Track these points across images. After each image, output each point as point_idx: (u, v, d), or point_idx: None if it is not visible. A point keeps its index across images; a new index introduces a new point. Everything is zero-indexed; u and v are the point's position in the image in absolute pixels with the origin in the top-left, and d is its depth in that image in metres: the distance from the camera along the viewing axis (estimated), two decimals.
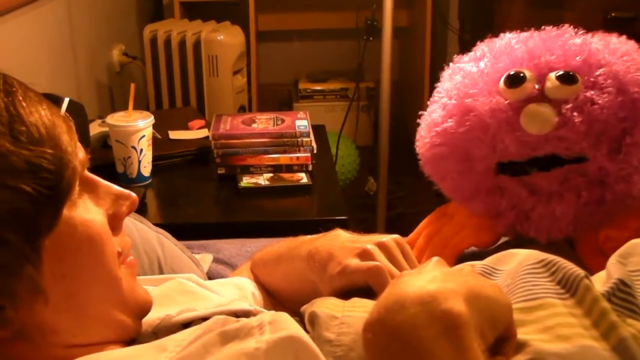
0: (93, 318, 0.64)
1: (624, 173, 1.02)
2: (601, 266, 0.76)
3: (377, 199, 2.61)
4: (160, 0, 3.02)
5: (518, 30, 1.16)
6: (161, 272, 1.08)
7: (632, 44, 1.09)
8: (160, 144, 1.75)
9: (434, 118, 1.11)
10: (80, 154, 0.63)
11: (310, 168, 1.66)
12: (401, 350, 0.55)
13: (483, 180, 1.08)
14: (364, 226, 2.69)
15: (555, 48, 1.06)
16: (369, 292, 0.74)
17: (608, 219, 1.06)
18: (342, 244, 0.80)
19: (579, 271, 0.69)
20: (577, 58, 1.04)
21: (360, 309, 0.68)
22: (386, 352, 0.56)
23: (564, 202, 1.03)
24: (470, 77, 1.09)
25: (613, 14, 2.26)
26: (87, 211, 0.63)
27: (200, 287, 0.81)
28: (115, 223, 0.66)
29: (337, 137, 2.76)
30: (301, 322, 0.69)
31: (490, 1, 2.51)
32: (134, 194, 0.68)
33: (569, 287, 0.68)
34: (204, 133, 1.85)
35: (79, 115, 1.63)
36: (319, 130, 1.85)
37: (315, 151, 1.67)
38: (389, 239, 0.81)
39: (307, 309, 0.70)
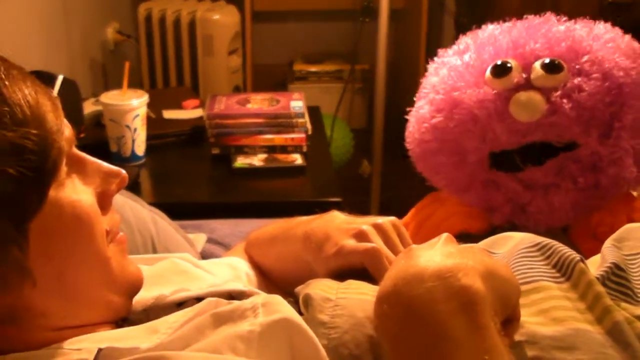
0: (82, 299, 0.63)
1: (616, 156, 1.02)
2: (594, 250, 0.76)
3: (371, 182, 2.61)
4: None
5: (501, 21, 1.16)
6: (155, 251, 1.08)
7: (616, 30, 1.10)
8: (154, 123, 1.74)
9: (423, 114, 1.11)
10: (66, 132, 0.62)
11: (304, 149, 1.66)
12: (417, 323, 0.55)
13: (477, 172, 1.08)
14: (358, 208, 2.68)
15: (539, 36, 1.07)
16: (364, 274, 0.74)
17: (604, 202, 1.06)
18: (339, 225, 0.80)
19: (574, 255, 0.69)
20: (562, 45, 1.04)
21: (354, 292, 0.68)
22: (401, 323, 0.56)
23: (561, 192, 1.04)
24: (456, 71, 1.09)
25: (610, 0, 2.25)
26: (74, 191, 0.61)
27: (195, 267, 0.81)
28: (104, 201, 0.65)
29: (331, 119, 2.76)
30: (295, 303, 0.69)
31: None
32: (123, 171, 0.67)
33: (564, 271, 0.68)
34: (198, 113, 1.84)
35: (72, 93, 1.62)
36: (313, 112, 1.85)
37: (309, 132, 1.67)
38: (385, 220, 0.80)
39: (301, 290, 0.70)
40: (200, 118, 1.77)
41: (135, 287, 0.69)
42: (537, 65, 1.03)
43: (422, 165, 1.16)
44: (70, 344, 0.61)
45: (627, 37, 1.10)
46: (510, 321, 0.61)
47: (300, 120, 1.66)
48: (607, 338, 0.61)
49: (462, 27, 2.51)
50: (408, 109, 1.19)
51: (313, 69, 3.12)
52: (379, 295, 0.58)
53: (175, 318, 0.62)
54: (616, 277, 0.68)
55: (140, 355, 0.57)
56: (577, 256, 0.69)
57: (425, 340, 0.54)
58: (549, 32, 1.07)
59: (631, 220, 1.05)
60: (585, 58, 1.03)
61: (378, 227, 0.79)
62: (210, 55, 2.47)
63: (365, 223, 0.80)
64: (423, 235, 1.14)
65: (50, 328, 0.62)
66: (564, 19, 1.12)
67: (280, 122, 1.66)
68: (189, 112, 1.87)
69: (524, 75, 1.03)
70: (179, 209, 1.38)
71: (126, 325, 0.66)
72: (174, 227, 1.17)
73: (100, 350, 0.58)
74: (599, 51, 1.04)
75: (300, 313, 0.65)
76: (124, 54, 2.58)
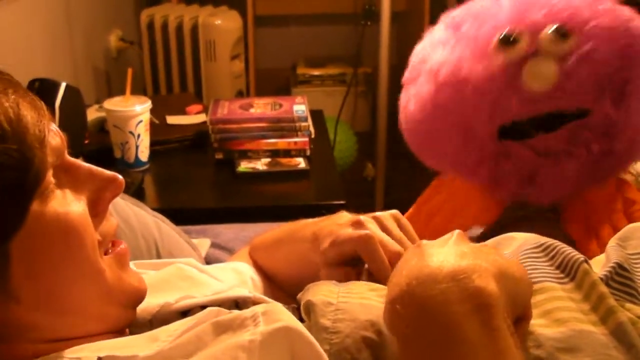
0: (75, 312, 0.61)
1: (629, 120, 1.01)
2: (585, 236, 0.75)
3: (375, 185, 2.61)
4: None
5: None
6: (158, 256, 1.08)
7: None
8: (157, 129, 1.75)
9: (422, 92, 1.09)
10: (54, 141, 0.59)
11: (308, 153, 1.66)
12: (430, 324, 0.54)
13: (486, 146, 1.06)
14: (363, 211, 2.69)
15: (541, 5, 1.05)
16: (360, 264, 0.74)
17: (615, 171, 1.05)
18: (343, 222, 0.80)
19: (578, 255, 0.69)
20: (567, 11, 1.03)
21: (356, 296, 0.67)
22: (414, 324, 0.55)
23: (574, 159, 1.02)
24: (457, 45, 1.07)
25: None
26: (62, 203, 0.59)
27: (200, 273, 0.80)
28: (98, 208, 0.63)
29: (335, 122, 2.76)
30: (297, 309, 0.69)
31: None
32: (120, 177, 0.64)
33: (568, 271, 0.68)
34: (201, 118, 1.85)
35: (76, 100, 1.63)
36: (316, 115, 1.85)
37: (313, 136, 1.67)
38: (385, 212, 0.80)
39: (302, 296, 0.70)
40: (204, 123, 1.78)
41: (134, 298, 0.67)
42: (545, 32, 1.02)
43: (424, 149, 1.13)
44: (70, 352, 0.60)
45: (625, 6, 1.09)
46: (521, 320, 0.61)
47: (304, 124, 1.66)
48: (611, 339, 0.61)
49: None
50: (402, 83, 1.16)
51: (316, 72, 3.12)
52: (391, 295, 0.57)
53: (175, 327, 0.62)
54: (620, 277, 0.68)
55: None
56: (581, 257, 0.69)
57: (439, 342, 0.54)
58: (549, 1, 1.06)
59: (626, 207, 1.05)
60: (591, 24, 1.01)
61: (375, 217, 0.79)
62: (213, 60, 2.47)
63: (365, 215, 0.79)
64: (432, 233, 1.13)
65: (42, 340, 0.60)
66: None
67: (284, 126, 1.66)
68: (192, 117, 1.88)
69: (535, 45, 1.02)
70: (183, 214, 1.39)
71: (132, 333, 0.66)
72: (178, 232, 1.17)
73: (99, 358, 0.57)
74: (603, 16, 1.02)
75: (302, 320, 0.65)
76: (127, 61, 2.59)
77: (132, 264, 0.71)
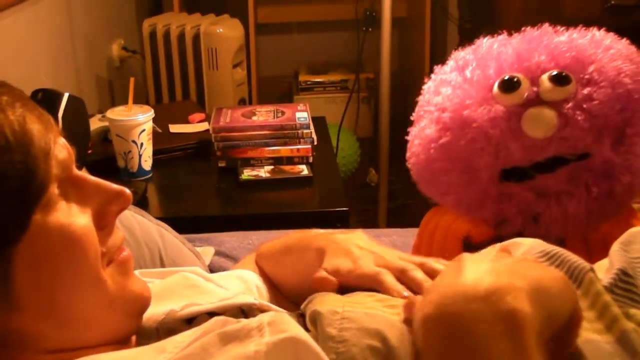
0: (77, 322, 0.62)
1: (628, 163, 1.02)
2: (585, 257, 0.75)
3: (378, 190, 2.61)
4: None
5: (500, 30, 1.15)
6: (162, 264, 1.08)
7: (611, 35, 1.10)
8: (160, 137, 1.75)
9: (428, 134, 1.09)
10: (62, 154, 0.61)
11: (310, 160, 1.66)
12: (460, 343, 0.54)
13: (489, 188, 1.07)
14: (366, 217, 2.70)
15: (543, 48, 1.06)
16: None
17: (618, 211, 1.06)
18: (361, 245, 0.79)
19: (584, 264, 0.69)
20: (567, 55, 1.04)
21: (361, 306, 0.67)
22: (444, 341, 0.55)
23: (575, 200, 1.03)
24: (461, 87, 1.08)
25: (612, 2, 2.25)
26: (66, 214, 0.60)
27: (205, 281, 0.80)
28: (104, 221, 0.64)
29: (337, 128, 2.76)
30: (301, 316, 0.68)
31: None
32: (127, 191, 0.65)
33: (574, 279, 0.68)
34: (204, 126, 1.85)
35: (79, 110, 1.63)
36: (319, 122, 1.85)
37: (315, 143, 1.67)
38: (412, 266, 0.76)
39: (307, 307, 0.70)
40: (207, 131, 1.78)
41: (138, 306, 0.67)
42: (545, 78, 1.03)
43: (429, 187, 1.14)
44: None
45: (625, 41, 1.09)
46: (569, 328, 0.60)
47: (306, 131, 1.66)
48: (615, 347, 0.61)
49: (466, 33, 2.52)
50: (408, 129, 1.18)
51: (318, 79, 3.13)
52: (424, 311, 0.57)
53: (182, 338, 0.62)
54: (624, 284, 0.67)
55: None
56: (587, 265, 0.68)
57: None
58: (551, 43, 1.07)
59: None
60: (592, 67, 1.02)
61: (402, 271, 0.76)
62: (215, 68, 2.48)
63: (392, 260, 0.77)
64: (437, 246, 1.13)
65: (44, 351, 0.61)
66: (562, 29, 1.11)
67: (286, 134, 1.66)
68: (195, 125, 1.88)
69: (534, 89, 1.03)
70: (187, 223, 1.39)
71: (139, 342, 0.66)
72: (181, 241, 1.17)
73: None
74: (604, 59, 1.03)
75: (307, 330, 0.65)
76: (129, 70, 2.60)
77: (137, 273, 0.71)
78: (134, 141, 1.58)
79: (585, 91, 1.00)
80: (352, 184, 2.81)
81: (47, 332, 0.60)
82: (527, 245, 0.76)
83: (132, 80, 1.61)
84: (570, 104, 1.00)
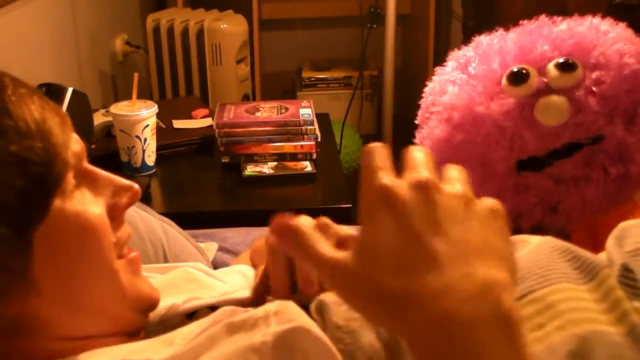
0: (89, 310, 0.63)
1: None
2: (590, 249, 0.75)
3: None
4: None
5: (501, 27, 1.14)
6: (166, 260, 1.09)
7: (608, 20, 1.09)
8: (164, 133, 1.75)
9: (439, 135, 1.09)
10: (75, 147, 0.63)
11: (314, 156, 1.66)
12: (450, 339, 0.48)
13: (505, 180, 1.07)
14: None
15: (544, 38, 1.06)
16: None
17: (635, 193, 1.05)
18: None
19: (599, 260, 0.68)
20: (569, 42, 1.04)
21: None
22: (431, 336, 0.48)
23: (593, 183, 1.03)
24: (468, 84, 1.07)
25: (616, 0, 2.25)
26: (82, 203, 0.62)
27: (207, 276, 0.81)
28: (115, 213, 0.65)
29: (341, 125, 2.76)
30: (304, 307, 0.68)
31: None
32: (136, 185, 0.67)
33: (587, 273, 0.67)
34: (207, 122, 1.85)
35: (82, 105, 1.63)
36: (322, 119, 1.85)
37: (319, 139, 1.67)
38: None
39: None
40: (210, 127, 1.78)
41: (148, 305, 0.68)
42: (552, 66, 1.02)
43: None
44: (86, 357, 0.61)
45: (621, 24, 1.09)
46: None
47: (310, 127, 1.66)
48: (626, 339, 0.61)
49: (470, 31, 2.52)
50: (412, 129, 1.17)
51: (322, 75, 3.13)
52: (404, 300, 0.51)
53: (190, 329, 0.62)
54: (627, 279, 0.67)
55: None
56: (603, 262, 0.68)
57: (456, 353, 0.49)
58: (551, 33, 1.07)
59: None
60: (596, 52, 1.02)
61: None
62: (218, 64, 2.48)
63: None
64: None
65: (56, 338, 0.62)
66: (559, 19, 1.11)
67: (290, 130, 1.66)
68: (199, 121, 1.88)
69: (543, 79, 1.02)
70: (190, 218, 1.39)
71: (144, 337, 0.66)
72: (185, 236, 1.17)
73: None
74: (606, 43, 1.03)
75: (312, 319, 0.65)
76: (133, 65, 2.60)
77: None
78: (137, 136, 1.58)
79: (594, 75, 1.00)
80: (355, 181, 2.81)
81: (59, 318, 0.62)
82: (535, 243, 0.75)
83: (136, 75, 1.61)
84: (580, 90, 1.00)
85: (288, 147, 1.66)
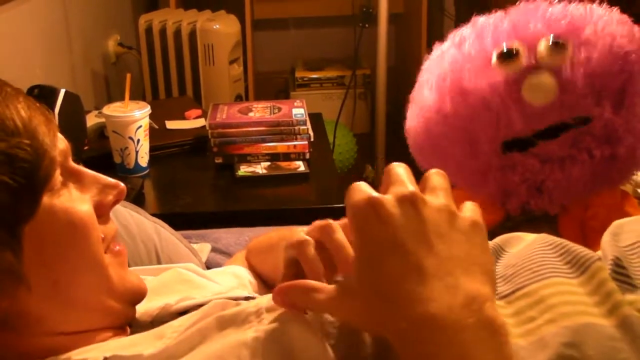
0: (79, 305, 0.64)
1: (630, 125, 1.02)
2: (580, 242, 0.75)
3: (375, 186, 2.61)
4: None
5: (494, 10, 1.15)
6: (159, 261, 1.09)
7: (603, 6, 1.10)
8: (157, 134, 1.75)
9: (428, 103, 1.09)
10: (61, 145, 0.64)
11: (307, 156, 1.66)
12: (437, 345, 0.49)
13: (491, 159, 1.06)
14: None
15: (538, 18, 1.06)
16: None
17: (622, 175, 1.05)
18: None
19: (592, 254, 0.68)
20: (562, 22, 1.04)
21: None
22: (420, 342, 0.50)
23: (578, 164, 1.03)
24: (461, 59, 1.08)
25: None
26: (70, 199, 0.63)
27: (199, 276, 0.81)
28: (101, 211, 0.66)
29: (334, 125, 2.76)
30: None
31: None
32: (122, 184, 0.68)
33: (578, 266, 0.68)
34: (200, 122, 1.85)
35: (75, 106, 1.63)
36: (315, 118, 1.85)
37: (312, 139, 1.67)
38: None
39: None
40: (203, 128, 1.78)
41: (136, 295, 0.69)
42: (542, 44, 1.02)
43: (429, 161, 1.13)
44: (77, 353, 0.62)
45: (615, 9, 1.09)
46: None
47: (303, 127, 1.66)
48: (617, 331, 0.61)
49: None
50: (404, 125, 1.17)
51: (314, 75, 3.13)
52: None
53: (180, 322, 0.63)
54: (618, 275, 0.68)
55: None
56: (596, 255, 0.69)
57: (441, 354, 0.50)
58: (546, 12, 1.07)
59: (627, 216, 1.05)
60: (587, 30, 1.02)
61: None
62: (211, 64, 2.48)
63: None
64: None
65: (47, 333, 0.63)
66: (556, 0, 1.11)
67: (283, 130, 1.66)
68: (192, 122, 1.88)
69: (532, 60, 1.02)
70: (184, 219, 1.39)
71: (133, 334, 0.67)
72: (178, 238, 1.17)
73: (105, 359, 0.59)
74: (599, 24, 1.03)
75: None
76: (125, 66, 2.59)
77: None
78: (130, 137, 1.58)
79: (582, 54, 1.00)
80: (349, 181, 2.80)
81: (49, 313, 0.62)
82: (529, 240, 0.76)
83: (128, 76, 1.61)
84: (568, 69, 1.00)
85: (281, 147, 1.66)
